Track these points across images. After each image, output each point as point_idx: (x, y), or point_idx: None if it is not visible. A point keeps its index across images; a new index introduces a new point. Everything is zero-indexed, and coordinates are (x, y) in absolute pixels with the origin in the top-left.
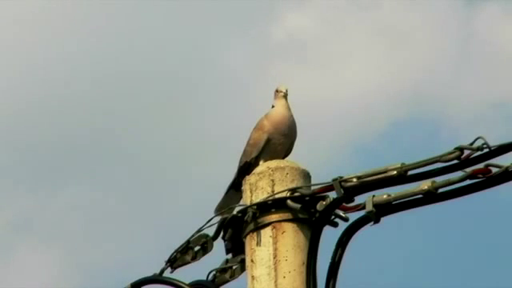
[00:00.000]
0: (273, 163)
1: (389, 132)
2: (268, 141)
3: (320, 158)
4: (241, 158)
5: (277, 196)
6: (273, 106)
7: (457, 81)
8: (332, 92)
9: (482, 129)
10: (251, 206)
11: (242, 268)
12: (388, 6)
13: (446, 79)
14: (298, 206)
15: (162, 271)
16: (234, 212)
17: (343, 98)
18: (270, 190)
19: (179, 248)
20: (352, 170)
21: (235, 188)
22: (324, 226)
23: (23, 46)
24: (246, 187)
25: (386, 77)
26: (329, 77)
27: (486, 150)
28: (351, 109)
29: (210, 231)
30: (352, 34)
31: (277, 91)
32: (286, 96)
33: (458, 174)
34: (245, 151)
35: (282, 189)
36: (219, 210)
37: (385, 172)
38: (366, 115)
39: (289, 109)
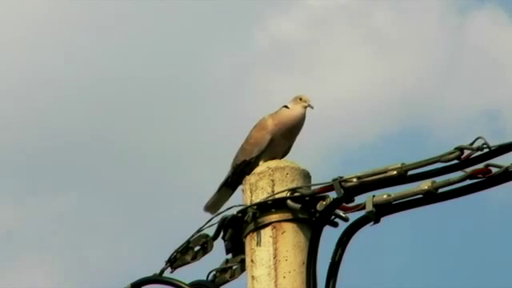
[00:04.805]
0: (273, 163)
1: (376, 143)
2: (270, 141)
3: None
4: (237, 156)
5: (277, 196)
6: (286, 107)
7: (446, 90)
8: (319, 98)
9: (472, 138)
10: (251, 206)
11: (242, 268)
12: (378, 14)
13: (435, 88)
14: (297, 206)
15: (162, 271)
16: (234, 212)
17: (330, 105)
18: (270, 190)
19: (179, 248)
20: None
21: (227, 186)
22: (324, 226)
23: (20, 49)
24: (246, 187)
25: (374, 85)
26: (316, 83)
27: (485, 150)
28: (338, 117)
29: (210, 231)
30: (341, 41)
31: (300, 99)
32: (306, 107)
33: (458, 173)
34: (243, 149)
35: (281, 189)
36: (209, 206)
37: (385, 172)
38: (353, 124)
39: (303, 116)
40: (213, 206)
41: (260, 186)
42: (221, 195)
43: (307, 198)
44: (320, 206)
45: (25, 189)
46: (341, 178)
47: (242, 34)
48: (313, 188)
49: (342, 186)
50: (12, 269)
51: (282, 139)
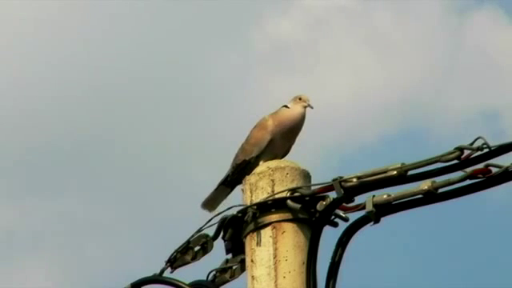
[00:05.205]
0: (273, 163)
1: (375, 143)
2: (270, 142)
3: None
4: (237, 156)
5: (277, 196)
6: (285, 106)
7: (446, 91)
8: (318, 99)
9: (472, 139)
10: (251, 206)
11: (242, 268)
12: (377, 14)
13: (434, 89)
14: (297, 206)
15: (162, 271)
16: (234, 212)
17: (330, 105)
18: (269, 190)
19: (179, 248)
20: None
21: (226, 184)
22: (324, 225)
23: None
24: (246, 187)
25: (373, 85)
26: (316, 84)
27: (485, 150)
28: (337, 117)
29: (210, 231)
30: (340, 41)
31: (300, 99)
32: (306, 107)
33: (458, 173)
34: (243, 149)
35: (282, 189)
36: (206, 203)
37: (385, 172)
38: (353, 124)
39: (303, 116)
40: (210, 204)
41: (260, 186)
42: (218, 193)
43: (307, 198)
44: (320, 206)
45: (25, 189)
46: (341, 177)
47: (241, 35)
48: (313, 188)
49: (342, 186)
50: (12, 269)
51: (282, 139)
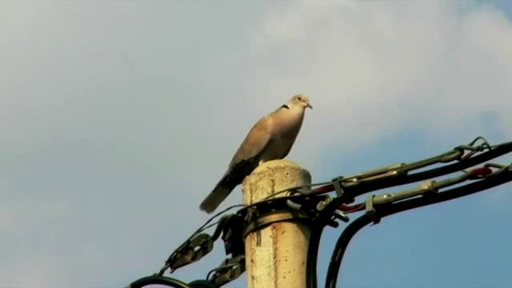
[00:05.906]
0: (273, 163)
1: (374, 144)
2: (270, 142)
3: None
4: (236, 156)
5: (277, 196)
6: (285, 107)
7: (445, 92)
8: (318, 100)
9: (471, 140)
10: (251, 206)
11: (242, 268)
12: (376, 15)
13: (434, 90)
14: (297, 206)
15: (162, 271)
16: (234, 212)
17: (329, 106)
18: (269, 190)
19: (179, 248)
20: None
21: (224, 185)
22: (324, 226)
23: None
24: (246, 187)
25: (372, 86)
26: (315, 84)
27: (485, 150)
28: (337, 118)
29: (210, 231)
30: (339, 42)
31: (299, 99)
32: (305, 107)
33: (458, 173)
34: (243, 149)
35: (282, 189)
36: (205, 205)
37: (385, 172)
38: (353, 125)
39: (302, 116)
40: (209, 205)
41: (260, 186)
42: (217, 194)
43: (307, 198)
44: (320, 206)
45: (24, 190)
46: (341, 177)
47: (240, 35)
48: (313, 188)
49: (341, 186)
50: (11, 269)
51: (281, 139)
